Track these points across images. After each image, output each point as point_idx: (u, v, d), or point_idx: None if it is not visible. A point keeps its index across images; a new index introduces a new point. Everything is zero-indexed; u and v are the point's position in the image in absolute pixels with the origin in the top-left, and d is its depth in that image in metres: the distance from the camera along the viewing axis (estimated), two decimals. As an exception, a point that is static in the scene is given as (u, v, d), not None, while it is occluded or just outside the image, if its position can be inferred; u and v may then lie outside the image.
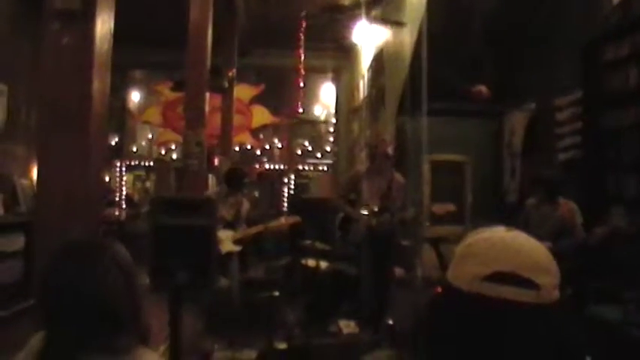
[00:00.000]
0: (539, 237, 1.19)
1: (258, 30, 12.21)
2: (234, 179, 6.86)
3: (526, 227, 4.89)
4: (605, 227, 4.85)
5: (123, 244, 1.72)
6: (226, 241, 6.44)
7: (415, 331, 5.19)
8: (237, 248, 6.55)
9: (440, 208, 5.95)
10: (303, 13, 10.60)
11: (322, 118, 16.74)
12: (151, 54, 12.86)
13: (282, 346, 5.34)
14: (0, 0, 8.66)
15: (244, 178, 7.08)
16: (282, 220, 7.05)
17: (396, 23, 8.59)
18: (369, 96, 11.18)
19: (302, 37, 11.09)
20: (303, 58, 11.45)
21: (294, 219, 7.01)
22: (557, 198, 5.17)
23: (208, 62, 7.96)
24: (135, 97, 16.31)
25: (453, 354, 1.12)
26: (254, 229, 6.73)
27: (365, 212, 6.08)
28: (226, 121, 11.92)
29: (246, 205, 6.89)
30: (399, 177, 6.22)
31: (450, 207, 5.94)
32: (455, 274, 1.16)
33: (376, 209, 6.05)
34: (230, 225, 6.57)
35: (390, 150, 6.09)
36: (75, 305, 1.53)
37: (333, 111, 15.82)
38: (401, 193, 6.17)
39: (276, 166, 15.48)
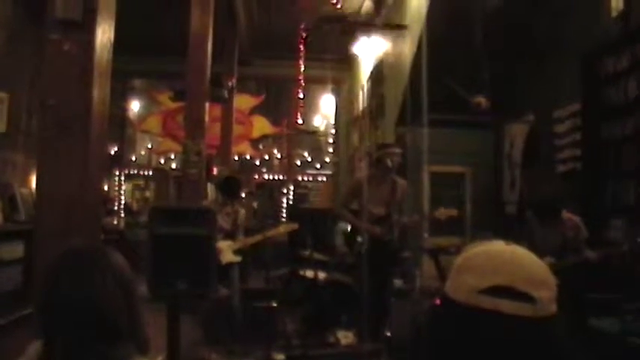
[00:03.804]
0: (543, 252, 1.19)
1: (259, 40, 12.25)
2: (228, 188, 6.85)
3: (531, 242, 4.86)
4: (600, 253, 4.82)
5: (122, 253, 1.72)
6: (227, 251, 6.43)
7: (413, 342, 5.19)
8: (237, 259, 6.54)
9: (442, 213, 5.94)
10: (303, 24, 10.64)
11: (322, 128, 16.77)
12: (151, 63, 12.89)
13: (281, 356, 5.33)
14: (1, 9, 8.68)
15: (239, 187, 7.05)
16: (281, 227, 7.02)
17: (397, 27, 8.60)
18: (368, 106, 11.21)
19: (302, 48, 11.13)
20: (303, 68, 11.49)
21: (292, 226, 7.00)
22: (560, 214, 5.07)
23: (208, 72, 7.98)
24: (135, 106, 16.34)
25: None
26: (253, 239, 6.72)
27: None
28: (226, 131, 11.95)
29: (242, 214, 6.87)
30: (401, 181, 6.20)
31: (453, 212, 5.92)
32: (453, 287, 1.16)
33: (380, 215, 6.04)
34: (229, 234, 6.56)
35: (389, 162, 6.06)
36: (73, 314, 1.53)
37: (332, 121, 15.85)
38: (405, 197, 6.16)
39: (276, 177, 15.49)
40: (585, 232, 5.00)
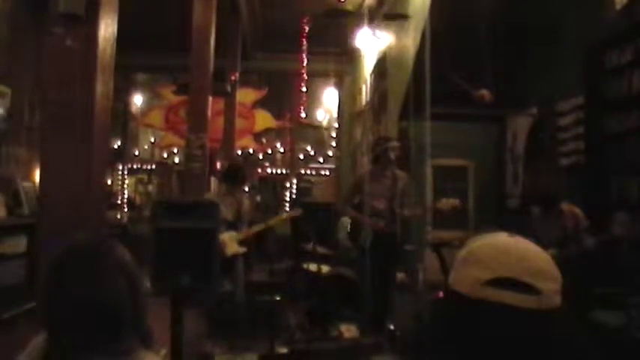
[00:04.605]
0: (546, 245, 1.19)
1: (262, 34, 12.24)
2: (232, 176, 6.82)
3: (534, 235, 4.84)
4: (597, 239, 4.80)
5: (125, 247, 1.72)
6: (231, 243, 6.42)
7: (416, 335, 5.19)
8: (242, 249, 6.53)
9: (445, 204, 5.92)
10: (306, 18, 10.62)
11: (325, 122, 16.75)
12: (154, 57, 12.88)
13: (284, 350, 5.33)
14: (3, 3, 8.68)
15: (243, 175, 7.02)
16: (283, 215, 7.02)
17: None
18: (371, 100, 11.19)
19: (305, 42, 11.12)
20: (305, 62, 11.47)
21: (295, 212, 6.99)
22: (559, 207, 5.06)
23: (211, 66, 7.97)
24: (138, 100, 16.31)
25: (454, 358, 1.12)
26: (255, 228, 6.70)
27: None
28: (229, 125, 11.93)
29: (246, 204, 6.86)
30: (401, 173, 6.21)
31: (455, 202, 5.91)
32: (456, 279, 1.16)
33: (382, 208, 6.04)
34: (232, 225, 6.54)
35: (392, 155, 6.08)
36: (77, 308, 1.53)
37: (335, 115, 15.83)
38: (406, 189, 6.17)
39: (279, 171, 15.48)
40: (585, 222, 4.99)
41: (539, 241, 1.18)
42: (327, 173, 15.61)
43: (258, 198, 14.98)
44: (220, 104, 11.27)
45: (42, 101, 3.79)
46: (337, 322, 6.11)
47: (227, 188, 6.79)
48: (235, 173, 6.86)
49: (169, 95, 13.23)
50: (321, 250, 6.77)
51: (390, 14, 8.95)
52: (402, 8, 8.83)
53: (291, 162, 15.52)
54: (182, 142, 11.69)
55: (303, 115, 12.82)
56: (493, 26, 6.85)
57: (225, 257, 6.26)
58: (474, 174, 8.49)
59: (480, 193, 8.48)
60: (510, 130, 8.34)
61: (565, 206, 5.03)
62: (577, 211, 5.02)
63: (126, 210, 14.52)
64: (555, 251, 4.54)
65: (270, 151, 16.10)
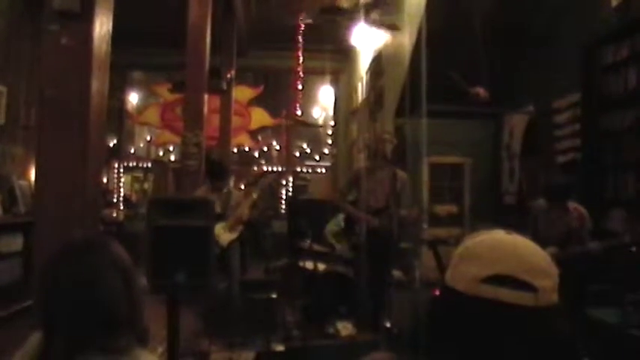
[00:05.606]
0: (547, 242, 1.19)
1: (257, 32, 12.21)
2: (216, 172, 6.82)
3: (534, 231, 4.87)
4: (602, 244, 4.80)
5: (121, 244, 1.71)
6: (223, 234, 6.43)
7: (413, 332, 5.20)
8: (234, 235, 6.51)
9: (442, 210, 5.95)
10: (302, 16, 10.61)
11: (321, 120, 16.73)
12: (149, 55, 12.85)
13: (280, 347, 5.34)
14: (-1, 1, 8.65)
15: (224, 170, 7.02)
16: (258, 184, 7.08)
17: (391, 27, 8.60)
18: (367, 98, 11.18)
19: (301, 39, 11.11)
20: (301, 60, 11.46)
21: (270, 177, 7.01)
22: (567, 203, 5.06)
23: (207, 63, 7.96)
24: (133, 98, 16.27)
25: (451, 356, 1.12)
26: (243, 207, 6.70)
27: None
28: (225, 123, 11.91)
29: (236, 195, 6.86)
30: (401, 173, 6.21)
31: (452, 209, 5.93)
32: (453, 276, 1.16)
33: (380, 206, 6.04)
34: (221, 217, 6.52)
35: (388, 151, 6.07)
36: (73, 305, 1.53)
37: (331, 113, 15.83)
38: (405, 189, 6.17)
39: (275, 168, 15.47)
40: (590, 224, 4.98)
41: (536, 238, 1.18)
42: (324, 171, 15.60)
43: (255, 195, 14.95)
44: (216, 102, 11.26)
45: (38, 99, 3.77)
46: (334, 320, 6.12)
47: (212, 186, 6.78)
48: (220, 169, 6.87)
49: (165, 93, 13.21)
50: (317, 247, 6.77)
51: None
52: (398, 6, 8.84)
53: (287, 159, 15.50)
54: (178, 140, 11.67)
55: (299, 112, 12.81)
56: (489, 23, 6.85)
57: (223, 249, 6.28)
58: (470, 171, 8.49)
59: (476, 190, 8.48)
60: (507, 127, 8.34)
61: (572, 204, 5.02)
62: (583, 211, 5.01)
63: (122, 207, 14.48)
64: (556, 250, 4.54)
65: (266, 149, 16.08)
